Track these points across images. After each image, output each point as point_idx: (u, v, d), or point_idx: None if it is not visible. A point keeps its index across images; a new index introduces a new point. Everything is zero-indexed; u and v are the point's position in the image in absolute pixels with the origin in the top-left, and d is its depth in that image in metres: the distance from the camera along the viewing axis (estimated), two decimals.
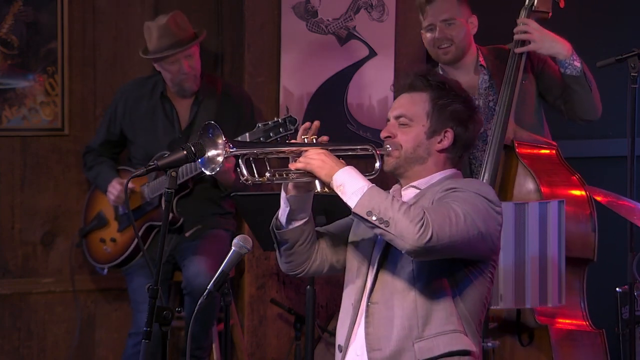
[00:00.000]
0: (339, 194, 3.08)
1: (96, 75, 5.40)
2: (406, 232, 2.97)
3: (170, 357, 4.04)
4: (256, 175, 3.12)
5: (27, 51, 5.26)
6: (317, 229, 3.37)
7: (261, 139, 4.73)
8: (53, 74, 5.31)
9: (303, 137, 3.20)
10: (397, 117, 3.23)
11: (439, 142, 3.21)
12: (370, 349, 3.16)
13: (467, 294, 3.14)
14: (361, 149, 3.23)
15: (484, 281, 3.16)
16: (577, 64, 4.43)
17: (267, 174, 3.12)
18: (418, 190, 3.22)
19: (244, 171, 3.10)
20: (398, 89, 3.31)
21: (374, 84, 5.50)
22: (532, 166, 4.36)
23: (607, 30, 5.66)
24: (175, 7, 5.34)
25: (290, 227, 3.26)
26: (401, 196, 3.25)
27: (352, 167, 3.11)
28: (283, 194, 3.23)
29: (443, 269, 3.12)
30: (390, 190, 3.28)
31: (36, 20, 5.26)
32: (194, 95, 5.11)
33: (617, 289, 4.19)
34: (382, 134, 3.25)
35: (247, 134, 4.77)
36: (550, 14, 4.54)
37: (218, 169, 3.08)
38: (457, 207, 3.03)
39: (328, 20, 5.43)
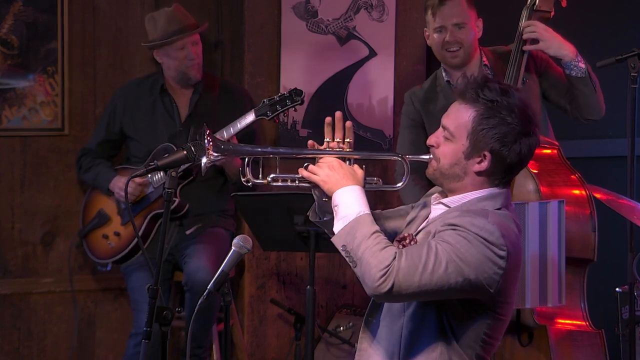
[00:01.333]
0: (334, 213, 3.01)
1: (96, 75, 5.40)
2: (367, 277, 2.87)
3: (170, 357, 4.04)
4: (260, 177, 3.09)
5: (27, 51, 5.27)
6: (374, 212, 3.22)
7: (268, 112, 4.74)
8: (53, 74, 5.31)
9: (326, 140, 3.11)
10: (444, 128, 3.08)
11: (477, 164, 3.04)
12: None
13: (461, 331, 3.02)
14: (389, 156, 3.16)
15: (482, 320, 3.02)
16: (582, 65, 4.44)
17: (269, 178, 3.09)
18: (446, 208, 3.09)
19: (247, 171, 3.08)
20: (454, 93, 3.11)
21: (374, 84, 5.50)
22: (533, 166, 4.36)
23: (607, 30, 5.66)
24: None
25: (324, 218, 3.18)
26: (431, 209, 3.14)
27: (356, 187, 3.01)
28: (312, 190, 3.15)
29: (434, 302, 3.00)
30: (433, 196, 3.18)
31: (36, 20, 5.26)
32: (194, 86, 5.12)
33: (617, 289, 4.19)
34: (429, 141, 3.11)
35: (252, 111, 4.77)
36: (552, 13, 4.54)
37: (204, 172, 3.08)
38: (442, 251, 2.88)
39: (328, 20, 5.43)
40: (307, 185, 3.09)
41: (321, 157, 3.08)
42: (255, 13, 5.37)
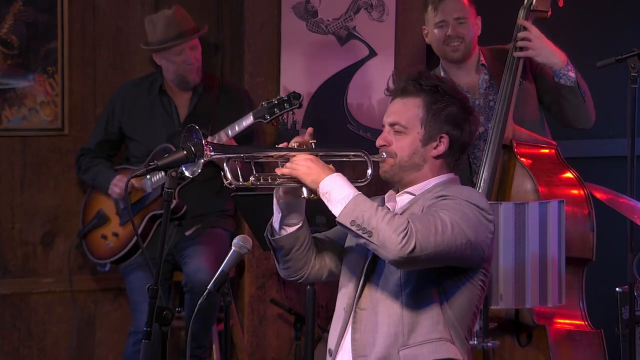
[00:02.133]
0: (325, 201, 3.06)
1: (96, 75, 5.40)
2: (389, 242, 2.94)
3: (170, 357, 4.04)
4: (241, 179, 3.11)
5: (27, 51, 5.27)
6: (316, 235, 3.36)
7: (266, 115, 4.75)
8: (53, 74, 5.31)
9: (293, 143, 3.17)
10: (392, 125, 3.20)
11: (434, 148, 3.18)
12: (356, 355, 3.14)
13: (456, 302, 3.11)
14: (354, 155, 3.21)
15: (473, 289, 3.13)
16: (572, 74, 4.45)
17: (252, 178, 3.10)
18: (412, 196, 3.19)
19: (228, 174, 3.09)
20: (392, 93, 3.26)
21: (374, 84, 5.50)
22: (531, 166, 4.36)
23: (607, 30, 5.66)
24: None
25: (284, 233, 3.24)
26: (395, 202, 3.23)
27: (339, 174, 3.09)
28: (274, 200, 3.22)
29: (430, 277, 3.09)
30: (386, 195, 3.27)
31: (36, 20, 5.26)
32: (193, 88, 5.12)
33: (617, 289, 4.19)
34: (378, 142, 3.22)
35: (250, 114, 4.78)
36: (549, 13, 4.54)
37: (198, 172, 3.09)
38: (445, 215, 3.00)
39: (328, 20, 5.44)
40: (289, 184, 3.12)
41: (293, 155, 3.12)
42: (255, 13, 5.37)
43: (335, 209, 3.02)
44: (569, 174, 4.43)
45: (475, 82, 4.58)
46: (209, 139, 4.79)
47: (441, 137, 3.17)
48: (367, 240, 2.97)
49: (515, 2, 4.57)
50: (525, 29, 4.46)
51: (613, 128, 5.40)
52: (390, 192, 3.28)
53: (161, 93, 5.15)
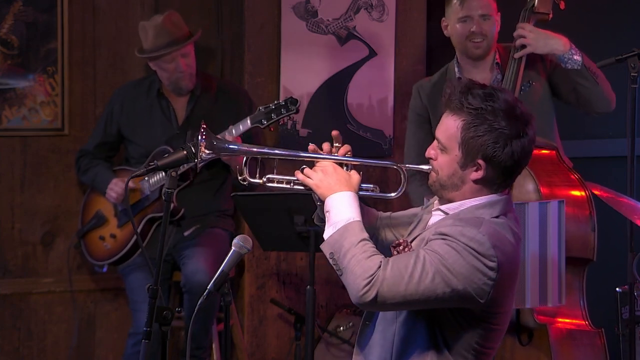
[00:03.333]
0: (325, 219, 3.01)
1: (96, 75, 5.40)
2: (352, 287, 2.87)
3: (170, 357, 4.04)
4: (257, 177, 3.09)
5: (27, 51, 5.26)
6: (385, 215, 3.27)
7: (263, 120, 4.75)
8: (53, 74, 5.31)
9: (325, 144, 3.11)
10: (437, 140, 3.07)
11: (474, 172, 3.00)
12: None
13: (452, 340, 3.01)
14: (388, 165, 3.16)
15: (474, 329, 3.00)
16: (577, 57, 4.43)
17: (265, 178, 3.09)
18: (444, 215, 3.08)
19: (244, 170, 3.08)
20: (442, 100, 3.07)
21: (374, 84, 5.50)
22: (532, 167, 4.36)
23: (607, 30, 5.66)
24: (175, 7, 5.34)
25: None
26: (431, 215, 3.14)
27: (349, 193, 3.00)
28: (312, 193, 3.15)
29: (425, 311, 2.99)
30: (434, 201, 3.17)
31: (36, 20, 5.26)
32: (189, 93, 5.13)
33: (617, 289, 4.19)
34: (427, 154, 3.09)
35: (248, 119, 4.78)
36: (551, 15, 4.54)
37: (199, 169, 3.09)
38: (430, 261, 2.87)
39: (328, 20, 5.43)
40: (302, 188, 3.09)
41: (318, 161, 3.08)
42: (255, 13, 5.37)
43: (326, 233, 2.98)
44: (570, 175, 4.43)
45: (487, 81, 4.55)
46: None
47: (479, 162, 2.99)
48: (339, 277, 2.93)
49: (518, 4, 4.57)
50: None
51: (613, 128, 5.41)
52: (436, 201, 3.16)
53: (159, 96, 5.15)
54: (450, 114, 3.02)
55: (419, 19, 5.54)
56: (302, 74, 5.41)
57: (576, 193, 4.37)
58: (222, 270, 3.46)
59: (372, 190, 3.16)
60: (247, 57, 5.38)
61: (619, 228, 4.34)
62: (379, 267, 2.86)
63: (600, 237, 4.38)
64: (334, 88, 5.46)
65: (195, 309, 3.41)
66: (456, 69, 4.61)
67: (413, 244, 3.05)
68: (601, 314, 4.53)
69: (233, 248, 3.48)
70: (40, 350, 5.39)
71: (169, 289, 5.18)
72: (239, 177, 3.10)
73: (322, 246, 2.96)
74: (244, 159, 3.09)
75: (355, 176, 3.06)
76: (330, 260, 2.93)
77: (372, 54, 5.50)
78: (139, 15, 5.37)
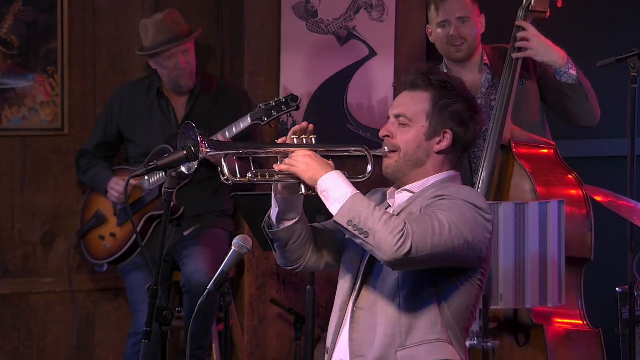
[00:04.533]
0: (323, 199, 3.04)
1: (96, 75, 5.40)
2: (384, 244, 2.93)
3: (170, 357, 4.04)
4: (238, 175, 3.09)
5: (27, 51, 5.27)
6: (315, 224, 3.35)
7: (263, 117, 4.75)
8: (53, 74, 5.31)
9: (293, 137, 3.15)
10: (397, 116, 3.19)
11: (437, 144, 3.16)
12: (353, 354, 3.14)
13: (453, 302, 3.10)
14: (355, 151, 3.20)
15: (471, 289, 3.11)
16: (573, 72, 4.45)
17: (249, 175, 3.09)
18: (411, 194, 3.18)
19: (225, 171, 3.08)
20: (400, 86, 3.25)
21: (374, 84, 5.50)
22: (529, 166, 4.36)
23: (607, 30, 5.66)
24: (175, 6, 5.34)
25: (281, 227, 3.23)
26: (394, 199, 3.22)
27: (338, 171, 3.07)
28: (272, 194, 3.20)
29: (428, 277, 3.07)
30: (388, 191, 3.26)
31: (36, 20, 5.26)
32: (189, 92, 5.13)
33: (617, 289, 4.19)
34: (381, 133, 3.21)
35: (248, 116, 4.78)
36: (548, 14, 4.55)
37: (194, 169, 3.09)
38: (442, 216, 2.98)
39: (328, 20, 5.44)
40: (286, 180, 3.11)
41: (293, 152, 3.11)
42: (255, 13, 5.37)
43: (333, 208, 3.01)
44: (567, 174, 4.44)
45: (477, 82, 4.57)
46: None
47: (445, 133, 3.15)
48: (364, 240, 2.96)
49: (514, 2, 4.57)
50: (523, 29, 4.46)
51: (613, 128, 5.40)
52: (391, 189, 3.26)
53: (159, 95, 5.15)
54: (413, 90, 3.19)
55: (419, 19, 5.54)
56: (302, 74, 5.41)
57: (573, 192, 4.38)
58: (222, 270, 3.46)
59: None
60: (247, 57, 5.38)
61: (618, 228, 4.34)
62: (405, 223, 2.95)
63: (600, 237, 4.38)
64: (334, 88, 5.46)
65: (195, 309, 3.41)
66: (445, 72, 4.61)
67: (400, 217, 3.09)
68: (601, 314, 4.53)
69: (233, 248, 3.49)
70: (40, 350, 5.39)
71: (169, 289, 5.18)
72: (222, 178, 3.10)
73: (336, 218, 3.00)
74: (222, 160, 3.09)
75: (330, 161, 3.12)
76: (350, 228, 2.97)
77: (372, 54, 5.50)
78: (139, 15, 5.37)
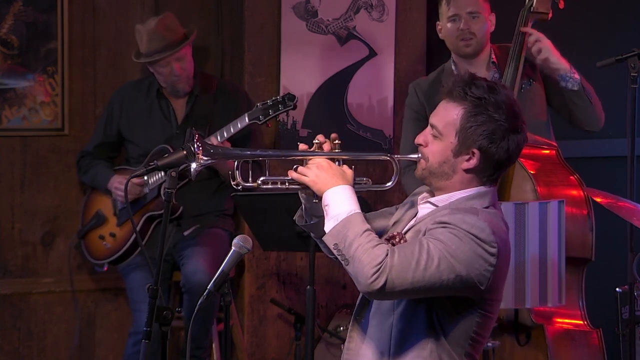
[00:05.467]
0: (324, 213, 3.01)
1: (96, 75, 5.40)
2: (360, 275, 2.87)
3: (170, 357, 4.04)
4: (250, 180, 3.08)
5: (27, 51, 5.27)
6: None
7: (260, 117, 4.75)
8: (53, 74, 5.31)
9: (315, 141, 3.10)
10: (432, 127, 3.09)
11: (465, 161, 3.04)
12: None
13: (450, 329, 3.02)
14: (379, 156, 3.16)
15: (470, 317, 3.02)
16: (577, 76, 4.46)
17: (259, 181, 3.08)
18: (434, 207, 3.10)
19: (236, 175, 3.07)
20: (442, 89, 3.12)
21: (374, 84, 5.50)
22: (530, 166, 4.36)
23: (607, 30, 5.66)
24: (174, 7, 5.35)
25: (312, 222, 3.18)
26: (418, 209, 3.16)
27: (347, 187, 3.01)
28: (299, 192, 3.16)
29: (423, 301, 3.00)
30: (420, 197, 3.18)
31: (36, 20, 5.26)
32: (187, 95, 5.13)
33: (617, 289, 4.19)
34: (417, 140, 3.12)
35: (245, 115, 4.78)
36: (550, 15, 4.55)
37: (194, 177, 3.08)
38: (434, 248, 2.89)
39: (328, 20, 5.44)
40: (297, 187, 3.08)
41: (310, 159, 3.08)
42: (255, 13, 5.37)
43: (327, 225, 2.98)
44: (568, 175, 4.44)
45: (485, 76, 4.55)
46: (212, 140, 4.79)
47: (473, 151, 3.02)
48: (345, 267, 2.92)
49: (516, 4, 4.57)
50: (522, 35, 4.47)
51: (613, 128, 5.40)
52: (425, 193, 3.18)
53: (159, 96, 5.16)
54: (450, 101, 3.06)
55: (419, 19, 5.54)
56: (302, 74, 5.41)
57: (574, 193, 4.38)
58: (222, 270, 3.46)
59: (365, 183, 3.18)
60: (247, 57, 5.38)
61: (618, 228, 4.34)
62: (387, 255, 2.87)
63: (600, 237, 4.38)
64: (334, 88, 5.46)
65: (195, 309, 3.41)
66: (453, 67, 4.62)
67: (407, 235, 3.06)
68: (601, 314, 4.53)
69: (233, 248, 3.48)
70: (40, 350, 5.39)
71: (169, 288, 5.18)
72: (232, 183, 3.09)
73: (325, 238, 2.97)
74: (235, 163, 3.08)
75: (348, 170, 3.08)
76: (335, 251, 2.94)
77: (372, 54, 5.50)
78: (139, 15, 5.37)
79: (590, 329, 4.37)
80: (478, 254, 2.93)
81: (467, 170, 3.05)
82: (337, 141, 3.12)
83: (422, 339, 3.02)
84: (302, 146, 3.14)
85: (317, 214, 3.14)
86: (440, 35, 4.65)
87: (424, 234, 2.97)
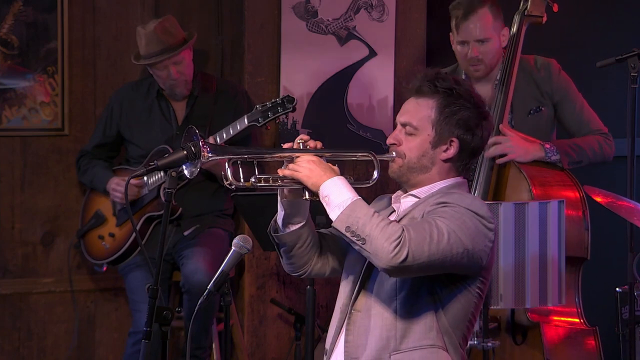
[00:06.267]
0: (324, 205, 3.04)
1: (96, 75, 5.40)
2: (381, 251, 2.92)
3: (170, 357, 4.04)
4: (241, 180, 3.09)
5: (27, 51, 5.26)
6: (322, 230, 3.33)
7: (259, 119, 4.76)
8: (53, 74, 5.31)
9: (299, 141, 3.14)
10: (403, 125, 3.17)
11: (444, 152, 3.14)
12: (347, 356, 3.13)
13: (450, 309, 3.08)
14: (361, 156, 3.18)
15: (469, 296, 3.09)
16: (555, 157, 4.43)
17: (252, 179, 3.09)
18: (417, 199, 3.17)
19: (229, 174, 3.08)
20: (406, 91, 3.23)
21: (374, 84, 5.50)
22: (525, 167, 4.36)
23: (607, 30, 5.66)
24: (175, 7, 5.35)
25: (287, 230, 3.22)
26: (400, 203, 3.22)
27: (341, 177, 3.06)
28: (279, 198, 3.20)
29: (426, 283, 3.06)
30: (393, 195, 3.26)
31: (36, 20, 5.26)
32: (186, 97, 5.12)
33: (617, 289, 4.20)
34: (388, 141, 3.19)
35: (244, 117, 4.79)
36: (544, 18, 4.53)
37: (195, 173, 3.09)
38: (442, 224, 2.97)
39: (328, 20, 5.44)
40: (290, 185, 3.10)
41: (298, 156, 3.10)
42: (255, 13, 5.37)
43: (333, 214, 3.01)
44: (563, 176, 4.44)
45: (492, 94, 4.53)
46: (210, 140, 4.80)
47: (451, 141, 3.13)
48: (361, 247, 2.96)
49: (510, 8, 4.57)
50: (512, 57, 4.46)
51: (613, 128, 5.41)
52: (398, 192, 3.25)
53: (159, 96, 5.15)
54: (419, 97, 3.18)
55: (419, 19, 5.54)
56: (302, 74, 5.41)
57: (570, 193, 4.39)
58: (222, 270, 3.46)
59: (348, 179, 3.17)
60: (247, 57, 5.38)
61: (618, 228, 4.35)
62: (403, 230, 2.93)
63: (600, 237, 4.39)
64: (334, 88, 5.46)
65: (195, 309, 3.41)
66: (463, 76, 4.59)
67: (402, 222, 3.09)
68: (601, 314, 4.53)
69: (233, 248, 3.49)
70: (40, 350, 5.39)
71: (169, 289, 5.18)
72: (225, 183, 3.10)
73: (335, 224, 3.00)
74: (226, 164, 3.09)
75: (334, 167, 3.12)
76: (348, 234, 2.97)
77: (372, 54, 5.50)
78: (139, 15, 5.37)
79: (586, 327, 4.38)
80: (479, 230, 3.02)
81: (445, 160, 3.15)
82: (318, 142, 3.16)
83: (428, 320, 3.07)
84: (288, 144, 3.17)
85: (295, 220, 3.19)
86: (453, 47, 4.60)
87: (423, 217, 3.04)
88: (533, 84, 4.54)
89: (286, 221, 3.22)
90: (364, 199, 3.06)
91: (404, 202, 3.21)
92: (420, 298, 3.07)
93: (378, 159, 3.18)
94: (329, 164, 3.12)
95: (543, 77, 4.54)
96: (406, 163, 3.15)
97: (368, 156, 3.17)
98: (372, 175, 3.16)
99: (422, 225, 2.97)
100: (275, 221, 3.25)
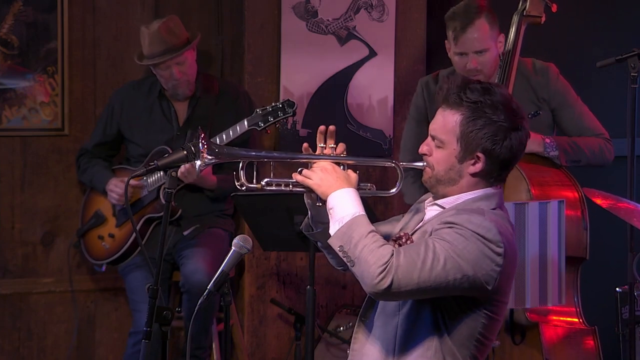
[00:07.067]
0: (329, 216, 3.01)
1: (96, 75, 5.40)
2: (366, 275, 2.87)
3: (170, 357, 4.04)
4: (254, 181, 3.08)
5: (27, 51, 5.26)
6: None
7: (260, 123, 4.76)
8: (53, 74, 5.31)
9: (320, 145, 3.10)
10: (432, 137, 3.10)
11: (472, 165, 3.05)
12: None
13: (453, 329, 3.02)
14: (385, 163, 3.16)
15: (476, 318, 3.01)
16: (553, 153, 4.42)
17: (263, 182, 3.08)
18: (441, 209, 3.10)
19: (241, 175, 3.07)
20: (438, 96, 3.12)
21: (374, 84, 5.50)
22: (524, 168, 4.37)
23: (607, 30, 5.66)
24: (175, 7, 5.35)
25: (317, 230, 3.18)
26: (426, 211, 3.16)
27: (350, 189, 3.01)
28: (305, 199, 3.16)
29: (429, 302, 3.00)
30: (426, 201, 3.19)
31: (36, 20, 5.26)
32: (188, 98, 5.12)
33: (617, 289, 4.19)
34: (420, 150, 3.13)
35: (245, 121, 4.79)
36: (543, 19, 4.53)
37: (196, 176, 3.08)
38: (440, 248, 2.90)
39: (328, 20, 5.43)
40: (301, 189, 3.09)
41: (315, 162, 3.08)
42: (255, 13, 5.37)
43: (332, 228, 2.98)
44: (562, 175, 4.44)
45: None
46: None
47: (478, 155, 3.04)
48: (350, 268, 2.92)
49: (508, 9, 4.56)
50: (511, 57, 4.45)
51: (613, 128, 5.41)
52: (428, 198, 3.20)
53: (161, 97, 5.15)
54: (447, 108, 3.07)
55: (419, 19, 5.54)
56: (302, 74, 5.41)
57: (568, 193, 4.39)
58: (222, 270, 3.46)
59: (370, 189, 3.19)
60: (247, 57, 5.38)
61: (619, 228, 4.35)
62: (392, 255, 2.87)
63: (600, 237, 4.39)
64: (334, 88, 5.46)
65: (195, 309, 3.41)
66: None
67: (414, 237, 3.06)
68: (601, 314, 4.53)
69: (233, 248, 3.48)
70: (40, 350, 5.39)
71: (169, 289, 5.18)
72: (237, 184, 3.09)
73: (330, 240, 2.96)
74: (239, 164, 3.08)
75: (352, 174, 3.08)
76: (340, 253, 2.93)
77: (372, 54, 5.50)
78: (139, 15, 5.37)
79: (585, 327, 4.38)
80: (485, 254, 2.93)
81: (473, 174, 3.06)
82: (331, 144, 3.11)
83: (427, 339, 3.02)
84: (305, 146, 3.14)
85: (323, 221, 3.14)
86: (449, 54, 4.59)
87: (430, 235, 2.97)
88: (530, 88, 4.53)
89: (315, 220, 3.17)
90: (371, 211, 3.01)
91: (429, 210, 3.15)
92: (421, 316, 3.02)
93: (406, 167, 3.14)
94: (347, 171, 3.08)
95: (540, 82, 4.53)
96: (435, 175, 3.09)
97: (392, 165, 3.14)
98: (390, 180, 3.11)
99: (418, 249, 2.91)
100: (307, 219, 3.21)
